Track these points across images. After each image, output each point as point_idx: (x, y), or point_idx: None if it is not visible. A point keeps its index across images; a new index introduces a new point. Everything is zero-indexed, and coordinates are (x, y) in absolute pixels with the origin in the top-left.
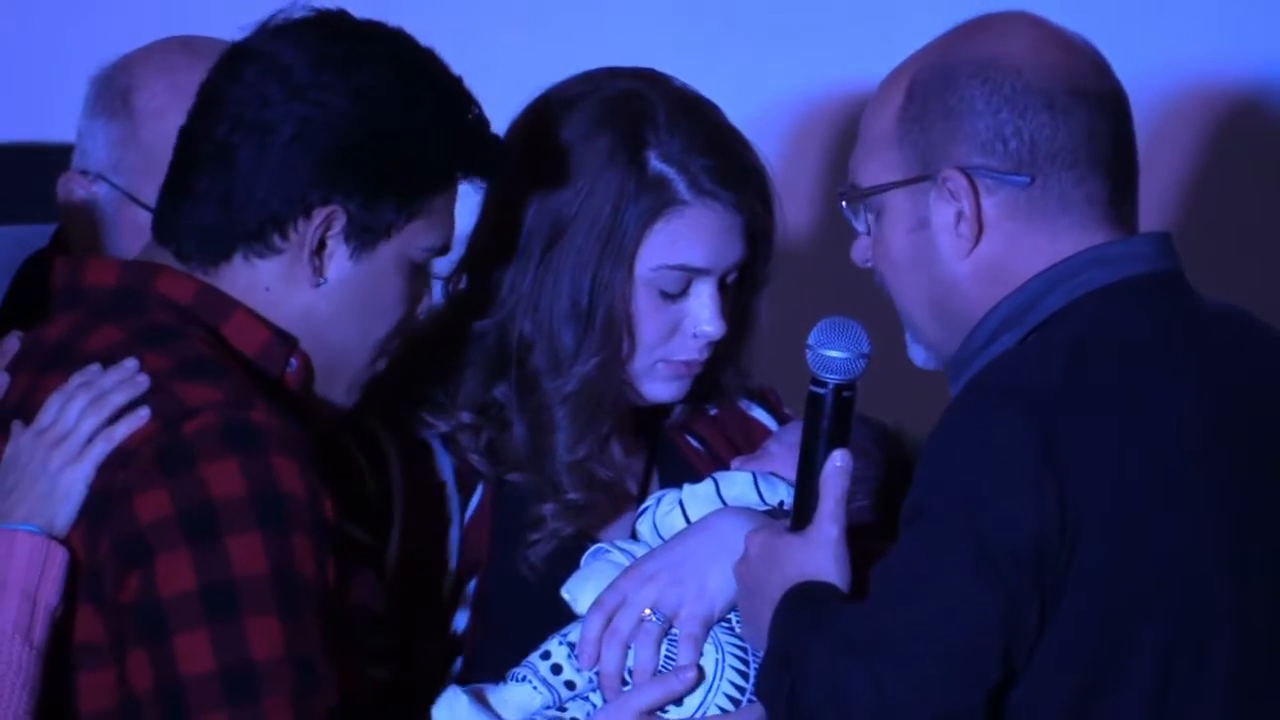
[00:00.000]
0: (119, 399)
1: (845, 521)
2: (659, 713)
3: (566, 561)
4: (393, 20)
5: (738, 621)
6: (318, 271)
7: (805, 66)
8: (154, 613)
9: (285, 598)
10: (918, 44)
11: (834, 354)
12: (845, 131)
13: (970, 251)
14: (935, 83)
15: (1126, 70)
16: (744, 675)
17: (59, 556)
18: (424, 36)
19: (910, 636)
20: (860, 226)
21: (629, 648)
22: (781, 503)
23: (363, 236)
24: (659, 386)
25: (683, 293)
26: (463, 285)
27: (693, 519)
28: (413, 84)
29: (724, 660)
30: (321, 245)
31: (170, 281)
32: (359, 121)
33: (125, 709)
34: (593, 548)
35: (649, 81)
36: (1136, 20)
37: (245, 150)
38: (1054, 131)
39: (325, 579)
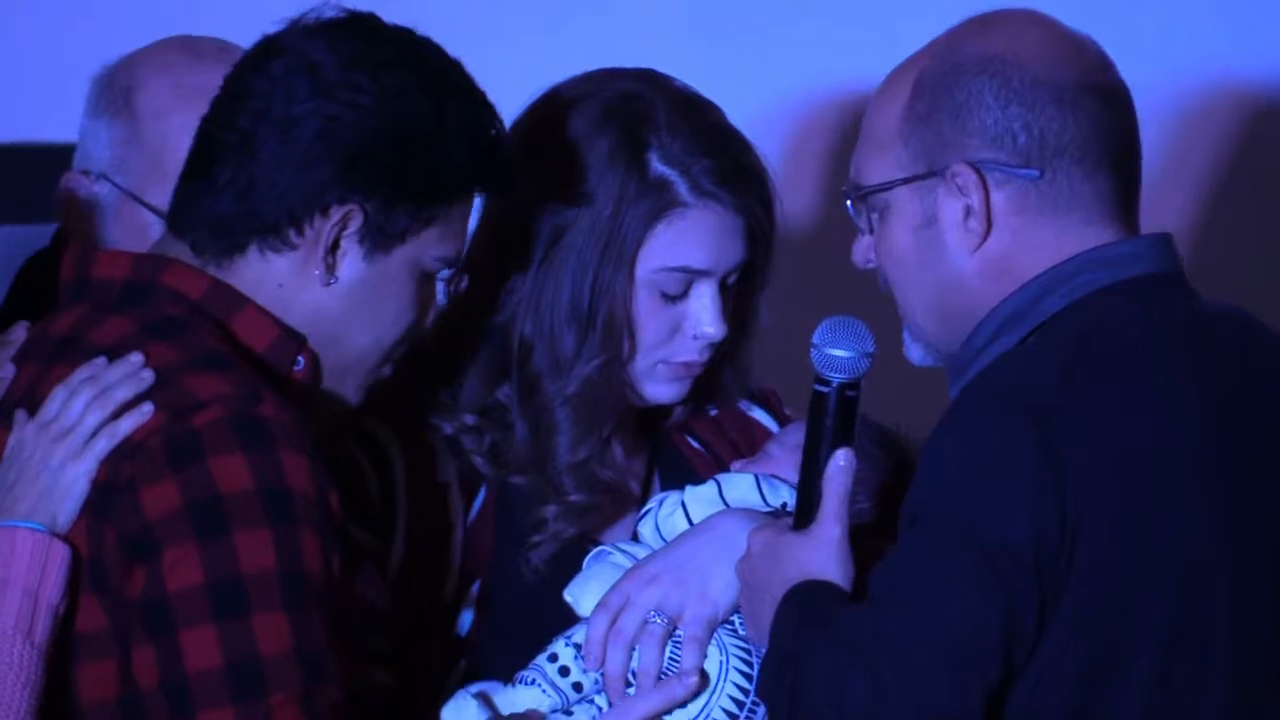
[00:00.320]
0: (123, 394)
1: (848, 520)
2: (663, 717)
3: (569, 563)
4: (399, 19)
5: (741, 623)
6: (329, 270)
7: (806, 66)
8: (161, 608)
9: (293, 594)
10: (919, 43)
11: (838, 353)
12: (846, 131)
13: (978, 248)
14: (943, 79)
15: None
16: (748, 677)
17: (60, 553)
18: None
19: (910, 638)
20: (863, 226)
21: (633, 649)
22: (784, 504)
23: (377, 239)
24: (660, 388)
25: (683, 294)
26: (464, 286)
27: (695, 521)
28: (440, 92)
29: (728, 662)
30: (336, 244)
31: (181, 275)
32: (384, 123)
33: (130, 704)
34: (595, 550)
35: (650, 82)
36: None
37: (268, 143)
38: (1063, 126)
39: (331, 574)
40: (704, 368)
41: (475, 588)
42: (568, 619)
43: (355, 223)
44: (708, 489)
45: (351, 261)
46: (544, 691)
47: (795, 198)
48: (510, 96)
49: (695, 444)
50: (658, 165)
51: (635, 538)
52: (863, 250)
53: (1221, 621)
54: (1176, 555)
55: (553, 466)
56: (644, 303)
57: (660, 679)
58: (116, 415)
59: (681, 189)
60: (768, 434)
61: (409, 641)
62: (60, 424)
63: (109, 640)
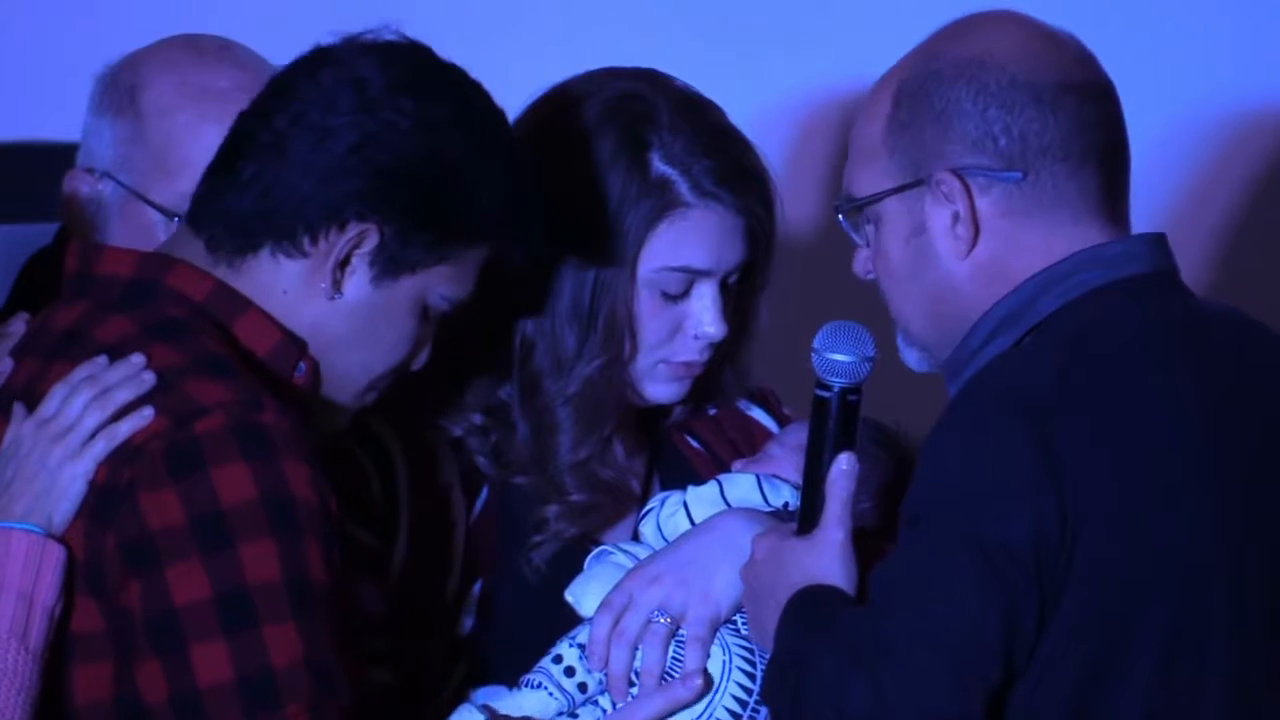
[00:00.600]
0: (123, 396)
1: (851, 524)
2: (666, 718)
3: (570, 563)
4: (396, 19)
5: (744, 623)
6: (336, 285)
7: (808, 67)
8: (168, 623)
9: (300, 603)
10: None
11: (839, 357)
12: (848, 133)
13: (968, 253)
14: (922, 87)
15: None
16: (751, 677)
17: (55, 555)
18: (427, 36)
19: (910, 640)
20: (859, 239)
21: (637, 649)
22: (786, 504)
23: (388, 264)
24: (660, 388)
25: (684, 294)
26: None
27: (697, 521)
28: (482, 134)
29: (731, 662)
30: (346, 260)
31: (185, 276)
32: (418, 151)
33: (126, 708)
34: (596, 550)
35: (651, 82)
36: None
37: (300, 147)
38: (1043, 126)
39: (334, 581)
40: (704, 367)
41: (477, 588)
42: (569, 619)
43: (370, 242)
44: (709, 489)
45: (359, 281)
46: (550, 694)
47: (797, 199)
48: (509, 96)
49: (695, 444)
50: (659, 165)
51: (636, 537)
52: (862, 262)
53: (1221, 621)
54: (1176, 555)
55: (554, 466)
56: (645, 302)
57: (664, 679)
58: (116, 417)
59: (683, 189)
60: (767, 433)
61: (410, 642)
62: (59, 422)
63: (105, 642)
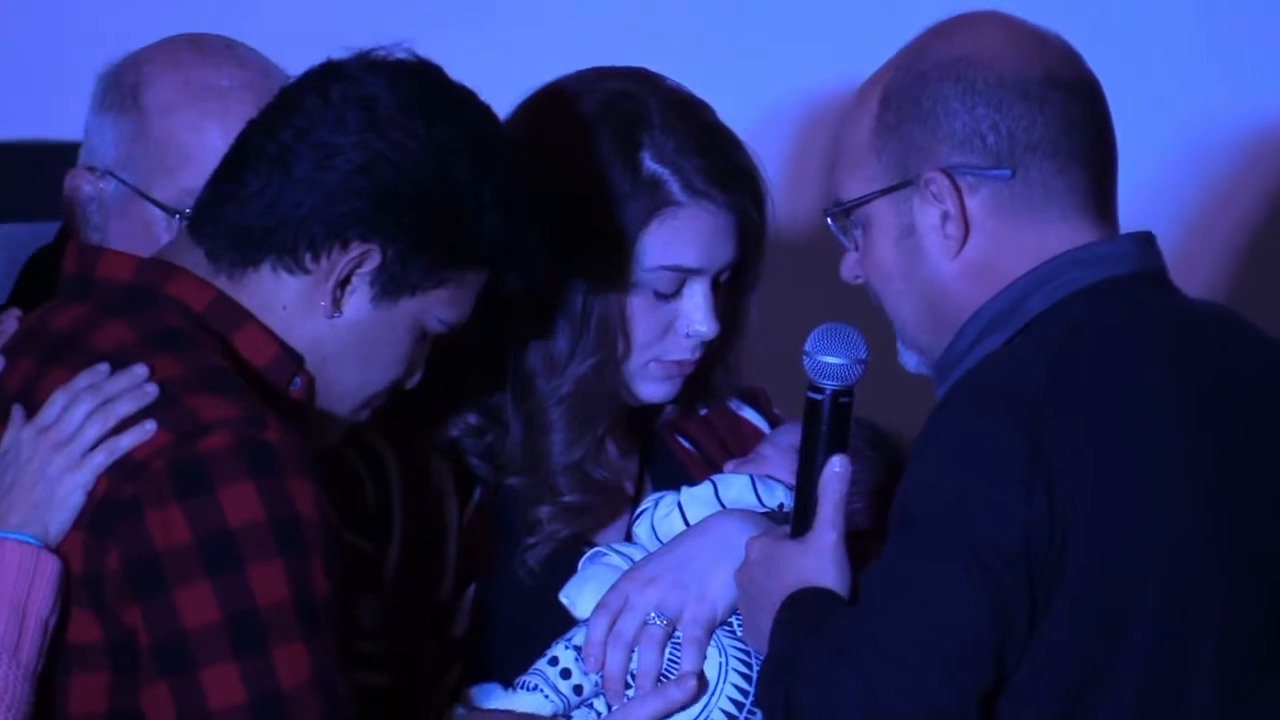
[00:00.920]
0: (125, 408)
1: (844, 526)
2: None
3: (564, 565)
4: (391, 18)
5: (739, 625)
6: (335, 304)
7: (808, 67)
8: (177, 645)
9: (308, 623)
10: None
11: (831, 360)
12: None
13: (958, 253)
14: (909, 87)
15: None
16: (747, 679)
17: (51, 566)
18: (422, 34)
19: (901, 640)
20: (848, 243)
21: (633, 650)
22: (781, 505)
23: (388, 285)
24: (651, 387)
25: (676, 293)
26: None
27: (692, 522)
28: (488, 159)
29: (727, 664)
30: (347, 280)
31: (185, 285)
32: (424, 173)
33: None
34: (590, 551)
35: (642, 82)
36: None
37: (306, 163)
38: (1031, 123)
39: (336, 595)
40: (695, 366)
41: (471, 591)
42: (563, 621)
43: (371, 263)
44: (704, 490)
45: (358, 301)
46: (546, 696)
47: (797, 199)
48: (508, 96)
49: (686, 444)
50: (650, 164)
51: (630, 539)
52: (850, 267)
53: (1211, 619)
54: (1166, 553)
55: (547, 467)
56: (637, 302)
57: (660, 680)
58: (118, 429)
59: (674, 188)
60: (758, 433)
61: (405, 645)
62: (60, 431)
63: (102, 654)
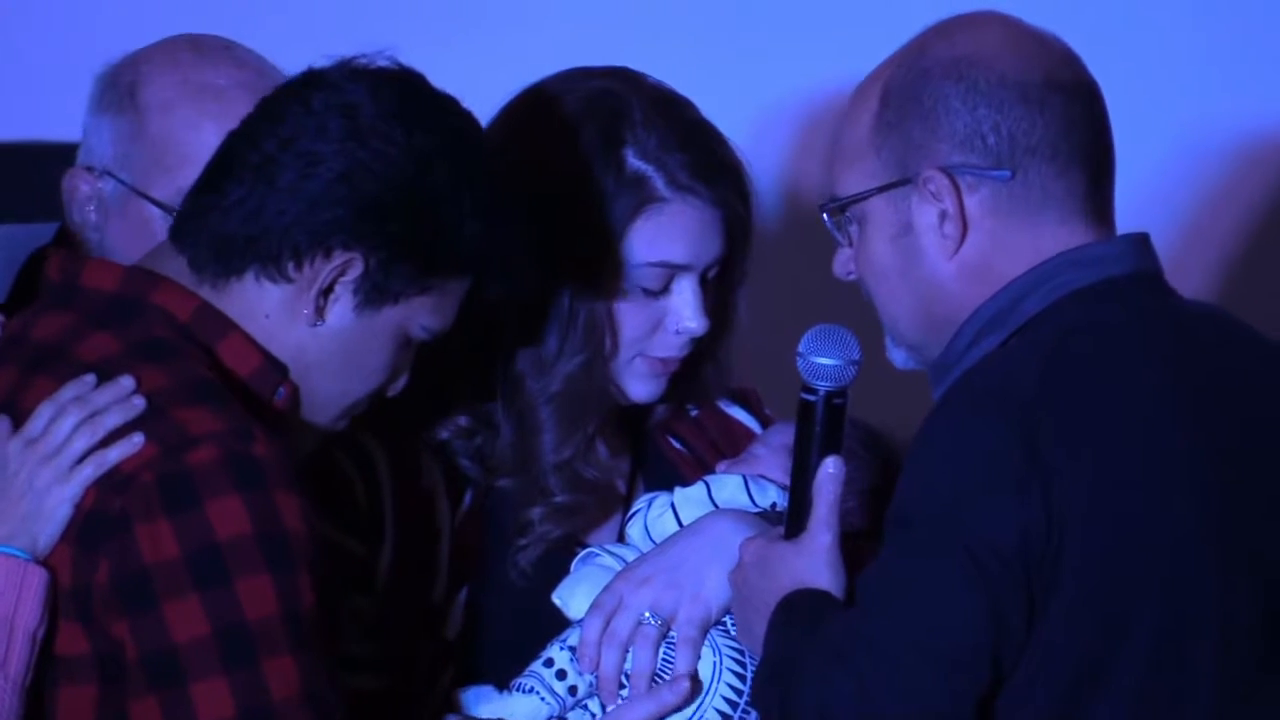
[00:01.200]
0: (113, 420)
1: (839, 528)
2: None
3: (556, 566)
4: (390, 19)
5: (733, 625)
6: (318, 312)
7: (808, 67)
8: (166, 660)
9: (296, 635)
10: None
11: (825, 361)
12: None
13: (955, 252)
14: (910, 85)
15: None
16: (741, 679)
17: (37, 579)
18: (421, 37)
19: (897, 641)
20: (842, 239)
21: (628, 651)
22: (774, 504)
23: (371, 293)
24: (637, 384)
25: (664, 290)
26: None
27: (685, 522)
28: (470, 166)
29: (721, 664)
30: (330, 288)
31: (170, 294)
32: (407, 181)
33: None
34: (582, 552)
35: (624, 80)
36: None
37: (288, 172)
38: (1031, 124)
39: (322, 608)
40: (680, 364)
41: (463, 593)
42: (556, 622)
43: (354, 271)
44: (696, 490)
45: (341, 309)
46: (542, 698)
47: (796, 199)
48: (506, 95)
49: (677, 444)
50: (634, 161)
51: (622, 539)
52: (843, 263)
53: (1208, 619)
54: (1163, 553)
55: (538, 467)
56: (625, 299)
57: (654, 681)
58: (105, 442)
59: (658, 183)
60: (748, 433)
61: (398, 647)
62: (47, 443)
63: (89, 666)
